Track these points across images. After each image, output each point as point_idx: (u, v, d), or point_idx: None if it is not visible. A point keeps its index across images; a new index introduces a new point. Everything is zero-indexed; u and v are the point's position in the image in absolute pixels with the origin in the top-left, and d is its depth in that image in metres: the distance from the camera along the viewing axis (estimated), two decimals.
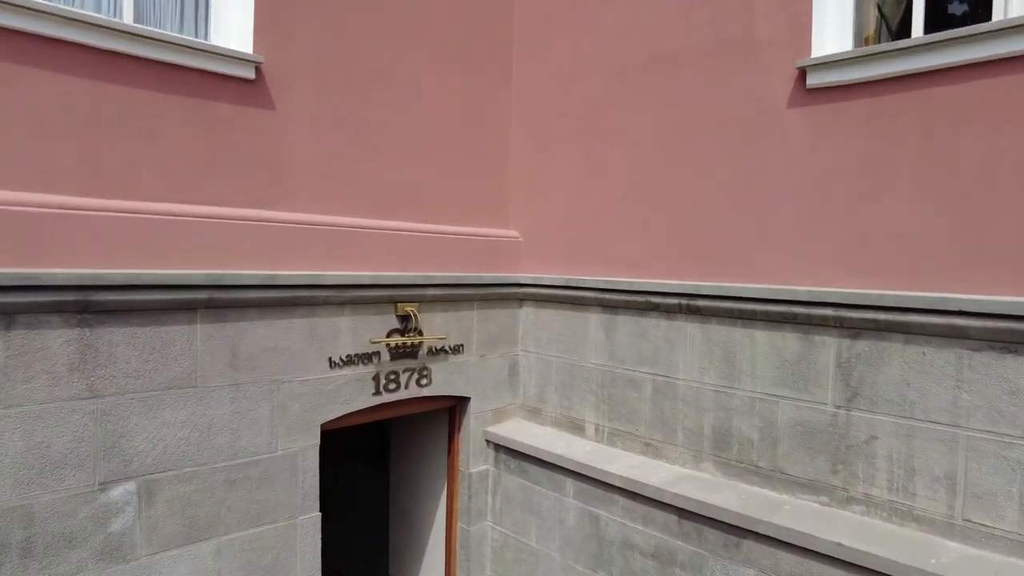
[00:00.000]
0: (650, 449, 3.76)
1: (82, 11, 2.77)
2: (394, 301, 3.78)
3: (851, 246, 2.96)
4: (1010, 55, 2.53)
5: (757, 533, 2.95)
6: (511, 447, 4.18)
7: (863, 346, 2.88)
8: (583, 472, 3.72)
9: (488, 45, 4.47)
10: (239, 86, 3.26)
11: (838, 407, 2.97)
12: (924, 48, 2.72)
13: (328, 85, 3.59)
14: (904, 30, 3.09)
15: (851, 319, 2.88)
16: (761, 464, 3.25)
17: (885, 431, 2.83)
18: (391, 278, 3.68)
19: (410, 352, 3.90)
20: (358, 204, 3.71)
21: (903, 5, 3.25)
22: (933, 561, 2.49)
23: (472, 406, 4.32)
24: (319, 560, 3.52)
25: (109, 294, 2.73)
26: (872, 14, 3.20)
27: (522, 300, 4.53)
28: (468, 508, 4.35)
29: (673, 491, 3.27)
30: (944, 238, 2.71)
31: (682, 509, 3.25)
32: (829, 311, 2.94)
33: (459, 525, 4.42)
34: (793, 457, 3.12)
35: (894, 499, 2.80)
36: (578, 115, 4.18)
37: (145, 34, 2.90)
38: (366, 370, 3.69)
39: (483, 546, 4.41)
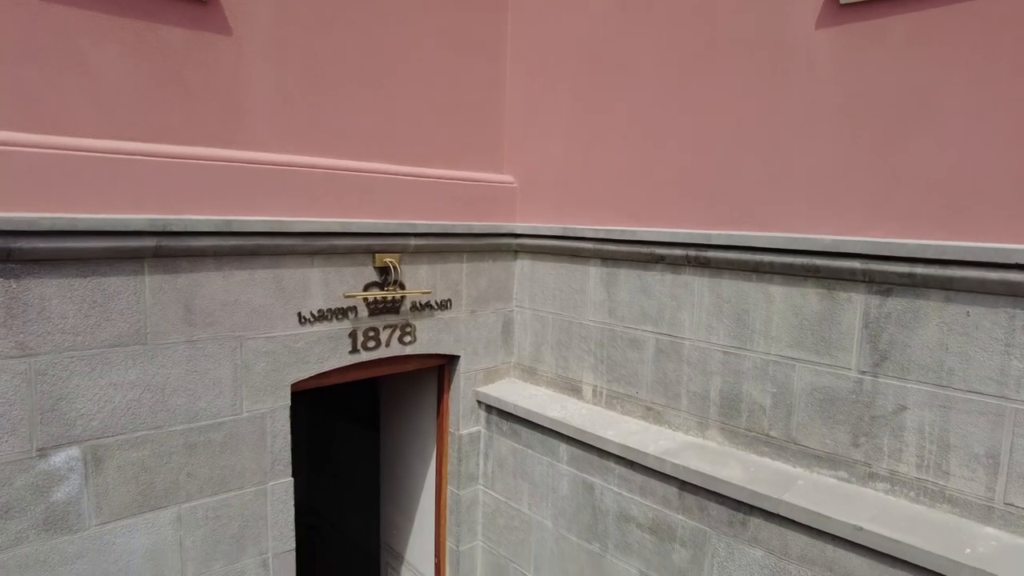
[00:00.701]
0: (651, 414, 3.44)
1: None
2: (372, 252, 3.44)
3: (884, 188, 2.55)
4: None
5: (765, 511, 2.64)
6: (503, 408, 3.90)
7: (895, 304, 2.50)
8: (577, 437, 3.43)
9: None
10: (188, 7, 2.85)
11: (863, 373, 2.61)
12: None
13: (294, 7, 3.16)
14: None
15: (882, 273, 2.49)
16: (773, 434, 2.92)
17: (917, 401, 2.47)
18: (366, 226, 3.33)
19: (391, 307, 3.59)
20: (330, 144, 3.33)
21: None
22: (968, 551, 2.16)
23: (462, 365, 4.02)
24: (292, 528, 3.29)
25: (37, 241, 2.41)
26: None
27: (517, 252, 4.18)
28: (458, 471, 4.10)
29: (673, 461, 2.97)
30: (1002, 179, 2.29)
31: (683, 481, 2.96)
32: (856, 263, 2.55)
33: (449, 489, 4.18)
34: (810, 427, 2.79)
35: (924, 477, 2.47)
36: (577, 45, 3.72)
37: None
38: (341, 326, 3.39)
39: (474, 511, 4.18)
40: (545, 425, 3.61)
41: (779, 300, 2.86)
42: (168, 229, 2.70)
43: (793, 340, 2.82)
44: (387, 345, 3.61)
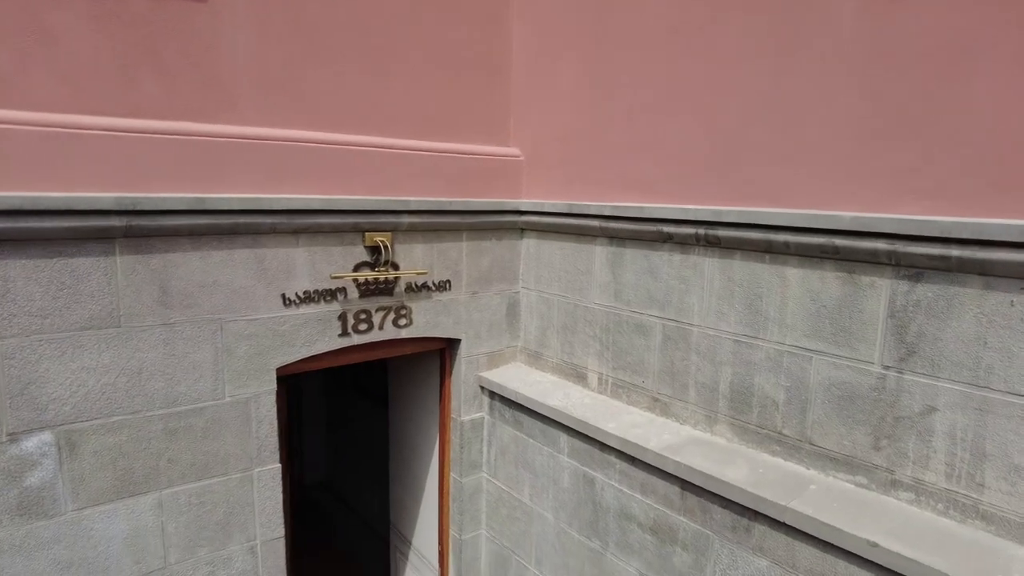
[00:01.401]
0: (658, 405, 3.20)
1: None
2: (361, 230, 3.27)
3: (914, 158, 2.20)
4: None
5: (771, 518, 2.39)
6: (505, 395, 3.71)
7: (925, 291, 2.18)
8: (577, 428, 3.22)
9: None
10: None
11: (887, 368, 2.30)
12: None
13: None
14: None
15: (911, 255, 2.17)
16: (786, 432, 2.64)
17: (948, 402, 2.16)
18: (352, 203, 3.16)
19: (384, 289, 3.42)
20: (315, 116, 3.15)
21: None
22: None
23: (463, 349, 3.84)
24: (281, 515, 3.21)
25: None
26: None
27: (523, 230, 3.94)
28: (460, 458, 3.95)
29: (675, 459, 2.73)
30: None
31: (685, 480, 2.72)
32: (881, 244, 2.23)
33: (452, 476, 4.04)
34: (826, 426, 2.50)
35: (954, 489, 2.17)
36: (583, 5, 3.42)
37: None
38: (330, 308, 3.24)
39: (477, 499, 4.03)
40: (546, 414, 3.41)
41: (795, 284, 2.56)
42: (137, 208, 2.58)
43: (810, 329, 2.52)
44: (380, 328, 3.45)
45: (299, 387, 7.42)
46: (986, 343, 2.06)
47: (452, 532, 4.11)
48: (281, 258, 3.04)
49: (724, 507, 2.58)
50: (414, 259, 3.51)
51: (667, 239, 3.04)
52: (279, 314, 3.07)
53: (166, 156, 2.71)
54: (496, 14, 3.80)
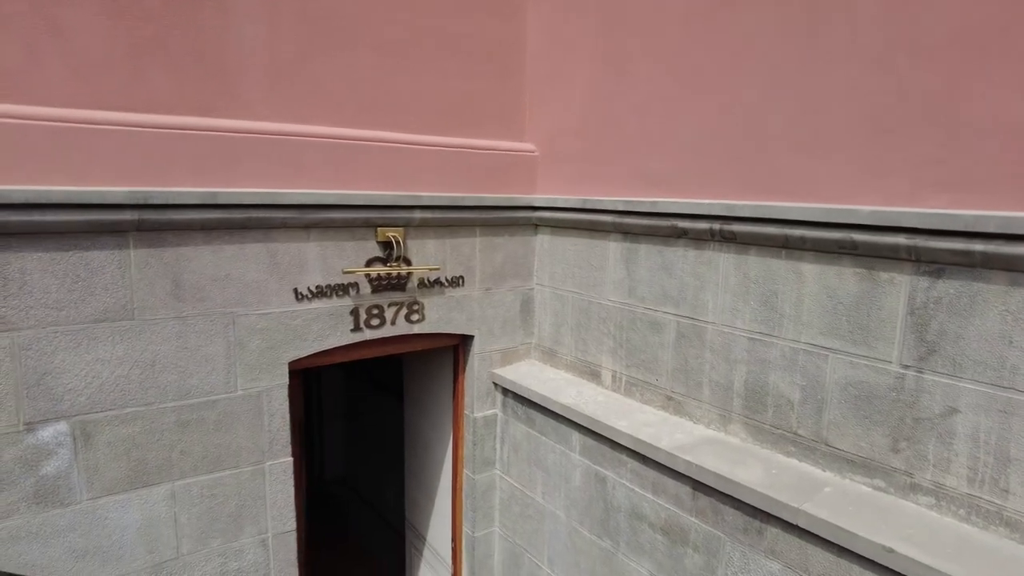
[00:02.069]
0: (671, 403, 3.14)
1: None
2: (373, 225, 3.27)
3: (937, 149, 2.12)
4: None
5: (784, 520, 2.32)
6: (518, 392, 3.68)
7: (947, 287, 2.09)
8: (589, 426, 3.18)
9: None
10: None
11: (906, 367, 2.22)
12: None
13: None
14: None
15: (932, 250, 2.09)
16: (801, 432, 2.57)
17: (971, 403, 2.07)
18: (364, 198, 3.15)
19: (396, 284, 3.41)
20: (326, 111, 3.16)
21: None
22: None
23: (476, 346, 3.82)
24: (293, 509, 3.22)
25: (12, 214, 2.36)
26: None
27: (537, 226, 3.91)
28: (473, 455, 3.93)
29: (686, 458, 2.67)
30: None
31: (697, 480, 2.66)
32: (902, 239, 2.15)
33: (465, 473, 4.03)
34: (843, 426, 2.42)
35: (976, 494, 2.08)
36: None
37: None
38: (342, 303, 3.25)
39: (490, 496, 4.01)
40: (558, 411, 3.38)
41: (811, 280, 2.48)
42: (149, 202, 2.61)
43: (826, 327, 2.44)
44: (393, 323, 3.45)
45: (318, 381, 7.49)
46: (1011, 342, 1.97)
47: (465, 529, 4.10)
48: (293, 252, 3.05)
49: (736, 508, 2.52)
50: (426, 255, 3.50)
51: (681, 234, 2.98)
52: (291, 308, 3.08)
53: (178, 151, 2.73)
54: (511, 4, 3.77)
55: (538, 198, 3.80)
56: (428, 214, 3.41)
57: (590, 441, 3.23)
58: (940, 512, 2.17)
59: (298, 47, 3.04)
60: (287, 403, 3.13)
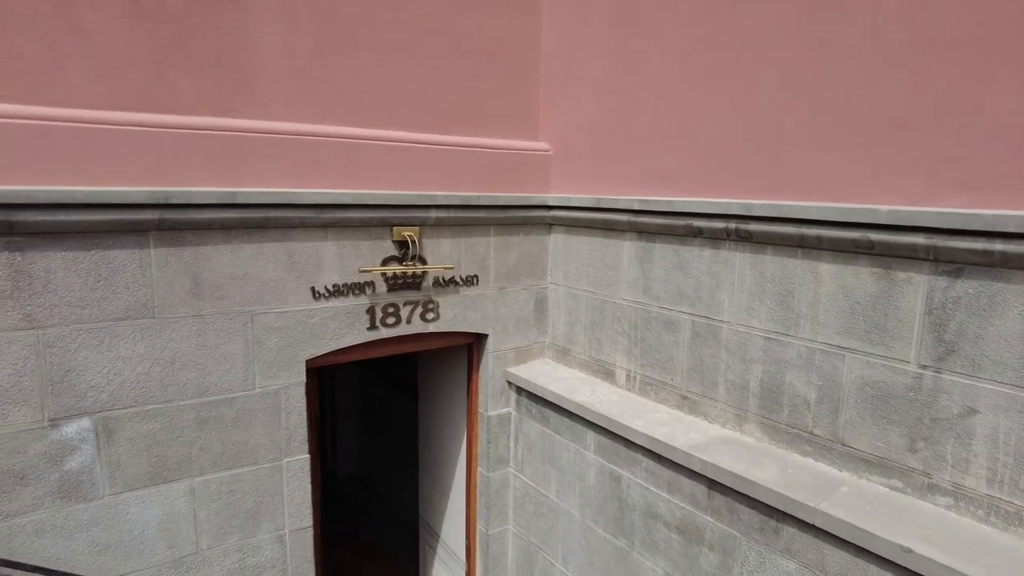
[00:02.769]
0: (686, 403, 3.14)
1: None
2: (389, 225, 3.29)
3: (956, 147, 2.11)
4: None
5: (801, 520, 2.32)
6: (532, 391, 3.70)
7: (966, 287, 2.08)
8: (604, 425, 3.19)
9: None
10: None
11: (924, 367, 2.21)
12: None
13: None
14: None
15: (951, 250, 2.08)
16: (817, 432, 2.56)
17: (990, 404, 2.06)
18: (380, 197, 3.18)
19: (412, 283, 3.44)
20: (343, 111, 3.19)
21: None
22: None
23: (490, 344, 3.84)
24: (310, 506, 3.26)
25: (36, 214, 2.41)
26: None
27: (551, 225, 3.92)
28: (487, 453, 3.95)
29: (702, 457, 2.68)
30: None
31: (712, 480, 2.66)
32: (920, 238, 2.14)
33: (479, 471, 4.05)
34: (859, 426, 2.42)
35: (996, 495, 2.07)
36: None
37: None
38: (358, 302, 3.28)
39: (504, 494, 4.03)
40: (572, 410, 3.39)
41: (828, 280, 2.48)
42: (169, 202, 2.65)
43: (843, 326, 2.44)
44: (408, 322, 3.48)
45: (331, 379, 7.54)
46: None
47: (479, 527, 4.12)
48: (310, 252, 3.08)
49: (752, 508, 2.52)
50: (441, 254, 3.52)
51: (697, 233, 2.98)
52: (308, 307, 3.12)
53: (197, 151, 2.77)
54: (526, 4, 3.78)
55: (552, 197, 3.81)
56: (443, 213, 3.43)
57: (604, 440, 3.24)
58: (959, 513, 2.16)
59: (315, 48, 3.07)
60: (304, 401, 3.17)
